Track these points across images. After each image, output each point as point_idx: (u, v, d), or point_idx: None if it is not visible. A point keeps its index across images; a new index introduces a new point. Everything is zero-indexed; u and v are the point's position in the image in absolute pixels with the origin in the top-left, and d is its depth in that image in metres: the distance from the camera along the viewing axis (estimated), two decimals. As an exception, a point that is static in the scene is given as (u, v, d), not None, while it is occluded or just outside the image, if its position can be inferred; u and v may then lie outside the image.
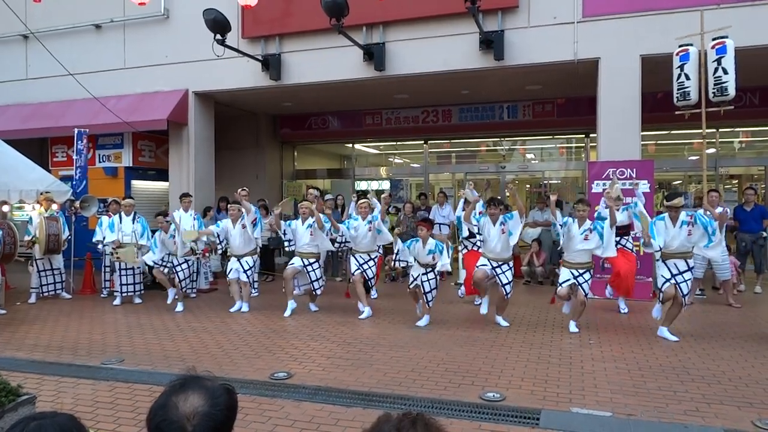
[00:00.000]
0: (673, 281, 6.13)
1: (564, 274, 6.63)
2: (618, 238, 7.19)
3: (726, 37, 7.36)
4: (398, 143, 15.17)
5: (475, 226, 7.08)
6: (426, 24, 9.59)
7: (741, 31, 7.69)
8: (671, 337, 6.10)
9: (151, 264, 8.40)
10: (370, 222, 7.55)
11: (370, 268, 7.60)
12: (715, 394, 4.49)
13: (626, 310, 7.53)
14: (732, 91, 7.38)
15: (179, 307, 8.05)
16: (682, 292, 6.10)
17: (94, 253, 9.56)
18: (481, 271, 6.86)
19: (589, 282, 6.62)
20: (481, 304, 7.39)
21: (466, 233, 7.92)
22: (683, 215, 6.16)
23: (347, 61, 9.98)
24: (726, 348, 5.81)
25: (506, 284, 6.79)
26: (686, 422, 3.96)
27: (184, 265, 8.30)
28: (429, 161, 14.26)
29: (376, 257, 7.71)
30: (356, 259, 7.61)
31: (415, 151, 15.01)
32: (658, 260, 6.39)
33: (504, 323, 6.87)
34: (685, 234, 6.09)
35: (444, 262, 6.85)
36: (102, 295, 9.23)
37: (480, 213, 7.33)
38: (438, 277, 6.94)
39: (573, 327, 6.54)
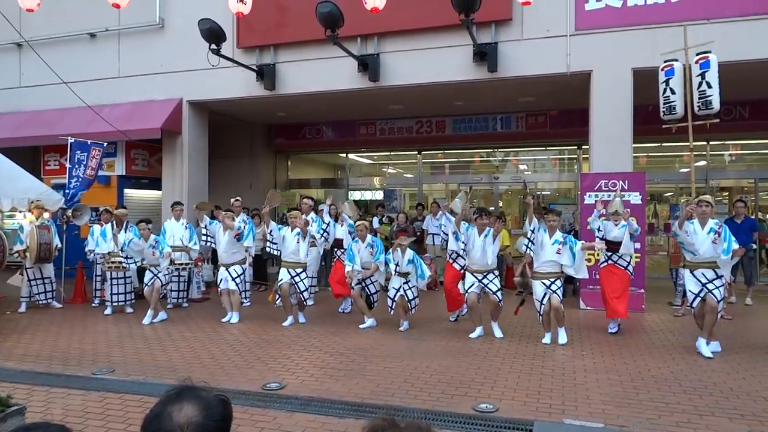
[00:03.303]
0: (703, 292, 6.02)
1: (537, 288, 6.61)
2: (610, 254, 7.02)
3: (709, 52, 7.46)
4: (392, 153, 15.22)
5: (463, 235, 6.99)
6: (420, 36, 9.67)
7: (727, 46, 7.81)
8: (708, 352, 5.93)
9: (163, 277, 8.09)
10: (370, 245, 7.58)
11: (372, 283, 7.61)
12: (707, 405, 4.50)
13: (614, 329, 7.04)
14: (716, 105, 7.47)
15: (162, 315, 7.95)
16: (716, 298, 5.93)
17: (85, 261, 9.50)
18: (472, 294, 6.82)
19: (561, 289, 6.64)
20: (456, 320, 7.50)
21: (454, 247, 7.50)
22: (711, 222, 6.05)
23: (342, 71, 10.04)
24: (718, 359, 5.83)
25: (496, 291, 6.82)
26: (678, 434, 3.97)
27: (165, 271, 8.12)
28: (423, 172, 14.31)
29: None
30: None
31: (408, 162, 15.07)
32: (684, 269, 6.24)
33: (499, 333, 6.87)
34: (711, 241, 5.99)
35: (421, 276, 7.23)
36: (93, 305, 9.16)
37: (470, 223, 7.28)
38: (417, 286, 7.31)
39: (552, 338, 6.56)
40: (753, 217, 10.36)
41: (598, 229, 7.14)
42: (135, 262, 8.62)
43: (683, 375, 5.31)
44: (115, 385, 5.06)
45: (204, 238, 8.98)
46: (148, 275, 8.11)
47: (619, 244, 6.95)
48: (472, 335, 6.81)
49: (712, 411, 4.38)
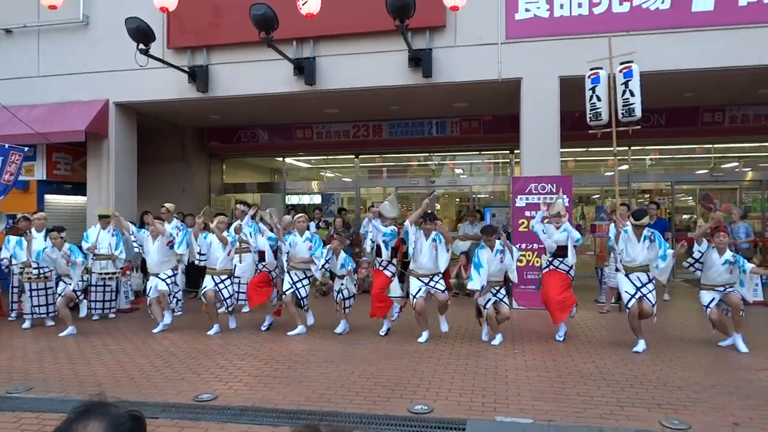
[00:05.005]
0: (638, 295, 6.36)
1: (485, 294, 6.78)
2: (551, 259, 7.06)
3: (632, 62, 7.89)
4: (329, 157, 15.17)
5: (414, 236, 6.91)
6: (356, 40, 9.69)
7: (647, 58, 8.28)
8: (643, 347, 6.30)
9: (76, 287, 7.68)
10: (309, 239, 7.47)
11: (303, 287, 7.46)
12: (628, 397, 4.75)
13: (561, 337, 6.89)
14: (638, 112, 7.90)
15: (71, 330, 7.46)
16: (650, 302, 6.36)
17: (0, 273, 8.88)
18: (420, 300, 6.81)
19: (506, 297, 6.85)
20: (386, 334, 7.40)
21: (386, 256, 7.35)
22: (645, 230, 6.47)
23: (277, 74, 9.91)
24: (639, 353, 6.16)
25: (443, 291, 6.91)
26: (602, 425, 4.16)
27: (77, 283, 7.72)
28: (360, 175, 14.33)
29: (311, 276, 7.54)
30: (290, 276, 7.43)
31: (346, 165, 15.06)
32: (618, 272, 6.58)
33: (445, 326, 6.96)
34: (646, 247, 6.41)
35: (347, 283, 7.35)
36: (9, 318, 8.58)
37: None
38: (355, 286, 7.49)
39: (498, 339, 6.72)
40: (665, 218, 11.03)
41: (543, 231, 7.11)
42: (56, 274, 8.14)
43: (607, 369, 5.57)
44: (32, 404, 4.75)
45: (135, 246, 8.23)
46: (60, 286, 7.73)
47: (562, 249, 6.98)
48: (420, 339, 6.81)
49: (632, 402, 4.63)
